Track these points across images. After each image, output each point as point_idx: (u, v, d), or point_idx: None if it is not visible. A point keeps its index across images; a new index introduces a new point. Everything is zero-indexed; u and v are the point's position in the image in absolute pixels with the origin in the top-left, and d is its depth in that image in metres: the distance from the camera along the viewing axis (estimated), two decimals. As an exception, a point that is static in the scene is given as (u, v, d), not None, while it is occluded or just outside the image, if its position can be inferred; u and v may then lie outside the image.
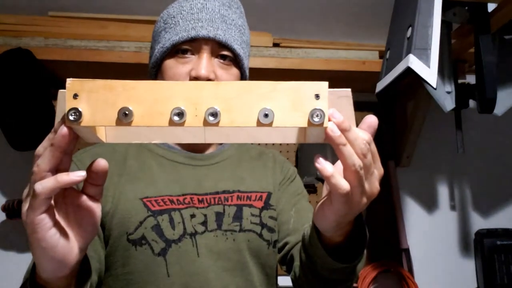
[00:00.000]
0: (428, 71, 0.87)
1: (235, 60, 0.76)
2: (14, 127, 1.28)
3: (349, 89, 0.44)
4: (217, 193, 0.74)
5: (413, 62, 0.89)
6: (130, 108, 0.40)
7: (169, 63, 0.75)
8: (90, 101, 0.40)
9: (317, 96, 0.42)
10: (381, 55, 1.49)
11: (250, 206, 0.75)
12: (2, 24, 1.37)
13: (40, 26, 1.38)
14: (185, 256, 0.68)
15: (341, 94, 0.44)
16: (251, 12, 1.51)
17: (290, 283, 0.77)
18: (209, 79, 0.71)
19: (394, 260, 1.57)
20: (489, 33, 1.07)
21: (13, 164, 1.45)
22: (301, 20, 1.58)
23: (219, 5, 0.76)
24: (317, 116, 0.41)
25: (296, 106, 0.42)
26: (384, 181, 1.66)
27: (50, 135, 0.42)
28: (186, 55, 0.74)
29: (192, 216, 0.70)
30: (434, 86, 0.86)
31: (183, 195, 0.72)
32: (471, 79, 1.26)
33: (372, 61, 1.45)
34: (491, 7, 1.12)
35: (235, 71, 0.77)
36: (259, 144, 0.89)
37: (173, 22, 0.75)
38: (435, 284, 1.58)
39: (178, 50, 0.74)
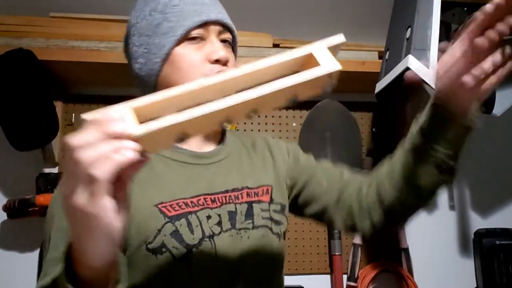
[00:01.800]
0: (427, 71, 0.88)
1: (231, 43, 0.79)
2: (15, 127, 1.28)
3: (341, 35, 0.55)
4: (227, 191, 0.74)
5: (412, 62, 0.90)
6: (185, 132, 0.46)
7: (182, 51, 0.73)
8: (148, 144, 0.44)
9: (329, 76, 0.50)
10: (381, 55, 1.50)
11: (259, 202, 0.76)
12: (4, 24, 1.37)
13: (41, 27, 1.38)
14: (205, 259, 0.68)
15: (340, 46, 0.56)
16: (251, 13, 1.52)
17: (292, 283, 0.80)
18: (227, 61, 0.73)
19: (393, 260, 1.58)
20: (488, 34, 1.08)
21: (14, 164, 1.46)
22: (301, 21, 1.58)
23: None
24: (329, 87, 0.52)
25: (314, 87, 0.51)
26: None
27: (104, 127, 0.41)
28: (198, 40, 0.74)
29: (208, 217, 0.70)
30: (433, 87, 0.87)
31: (196, 196, 0.71)
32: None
33: (371, 62, 1.46)
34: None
35: (233, 53, 0.79)
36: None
37: (176, 10, 0.74)
38: (434, 284, 1.59)
39: (187, 37, 0.73)
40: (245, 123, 1.61)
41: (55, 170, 1.46)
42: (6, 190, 1.47)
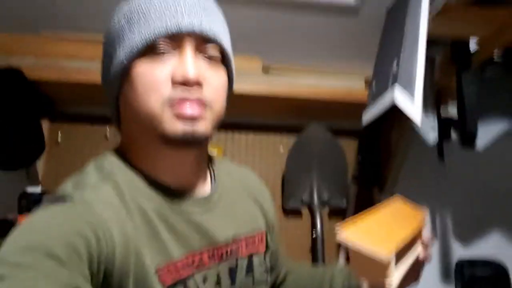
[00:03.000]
0: (413, 107, 0.90)
1: (221, 59, 0.63)
2: (2, 146, 1.26)
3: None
4: (227, 243, 0.65)
5: (398, 98, 0.92)
6: None
7: (142, 68, 0.58)
8: None
9: None
10: (367, 81, 1.52)
11: (257, 253, 0.71)
12: (-7, 42, 1.37)
13: (31, 45, 1.38)
14: None
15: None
16: (241, 36, 1.54)
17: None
18: (198, 83, 0.58)
19: None
20: (471, 70, 1.12)
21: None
22: (291, 45, 1.61)
23: None
24: None
25: None
26: (368, 207, 1.68)
27: None
28: (164, 53, 0.58)
29: (205, 279, 0.60)
30: (419, 124, 0.89)
31: (192, 253, 0.60)
32: (454, 109, 1.30)
33: (358, 90, 1.49)
34: (473, 43, 1.16)
35: (222, 72, 0.63)
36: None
37: (142, 16, 0.59)
38: (416, 312, 1.59)
39: (151, 50, 0.58)
40: (232, 147, 1.61)
41: (38, 189, 1.44)
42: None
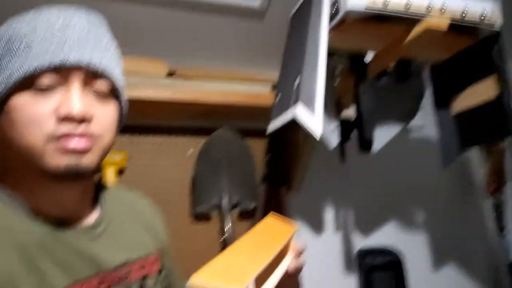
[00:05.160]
0: (314, 122, 0.93)
1: (112, 92, 0.62)
2: None
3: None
4: (118, 268, 0.64)
5: (300, 115, 0.94)
6: None
7: (21, 101, 0.54)
8: None
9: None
10: (274, 86, 1.54)
11: (149, 276, 0.70)
12: None
13: None
14: None
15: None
16: (144, 38, 1.47)
17: None
18: (84, 120, 0.56)
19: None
20: (367, 81, 1.18)
21: None
22: (196, 48, 1.57)
23: (88, 23, 0.58)
24: None
25: None
26: (277, 205, 1.73)
27: None
28: (48, 87, 0.55)
29: None
30: (318, 138, 0.92)
31: (80, 283, 0.58)
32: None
33: (265, 95, 1.50)
34: (369, 56, 1.23)
35: (112, 106, 0.62)
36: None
37: (23, 43, 0.54)
38: (322, 302, 1.68)
39: (33, 82, 0.54)
40: (137, 151, 1.54)
41: None
42: None
